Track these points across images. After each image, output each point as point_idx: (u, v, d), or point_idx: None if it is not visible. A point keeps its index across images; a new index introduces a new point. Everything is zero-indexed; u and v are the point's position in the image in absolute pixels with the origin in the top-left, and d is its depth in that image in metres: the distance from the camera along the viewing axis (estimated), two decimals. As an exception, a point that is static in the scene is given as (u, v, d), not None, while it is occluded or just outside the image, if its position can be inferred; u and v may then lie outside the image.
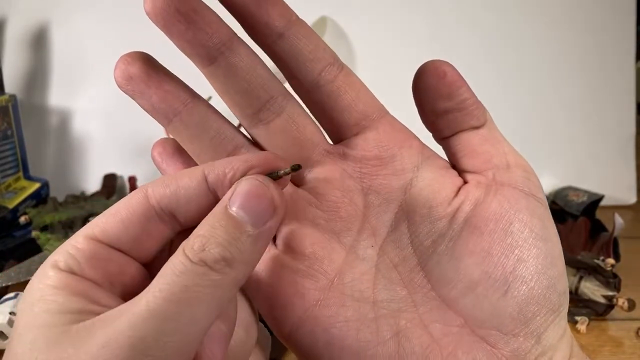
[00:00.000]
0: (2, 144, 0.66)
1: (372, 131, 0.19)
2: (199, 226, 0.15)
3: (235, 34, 0.18)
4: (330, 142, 0.20)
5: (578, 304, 0.51)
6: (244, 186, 0.15)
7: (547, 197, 0.77)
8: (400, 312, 0.18)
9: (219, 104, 0.20)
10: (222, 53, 0.17)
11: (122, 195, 0.78)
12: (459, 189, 0.19)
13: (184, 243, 0.15)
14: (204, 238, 0.15)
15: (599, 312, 0.50)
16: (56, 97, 0.78)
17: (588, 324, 0.48)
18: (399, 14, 0.79)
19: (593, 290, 0.51)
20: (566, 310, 0.18)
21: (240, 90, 0.18)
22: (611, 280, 0.50)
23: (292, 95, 0.19)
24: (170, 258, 0.15)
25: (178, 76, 0.19)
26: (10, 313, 0.45)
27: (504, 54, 0.81)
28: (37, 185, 0.70)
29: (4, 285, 0.47)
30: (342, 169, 0.19)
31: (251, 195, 0.15)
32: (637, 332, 0.48)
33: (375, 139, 0.19)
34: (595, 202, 0.69)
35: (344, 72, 0.19)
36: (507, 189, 0.18)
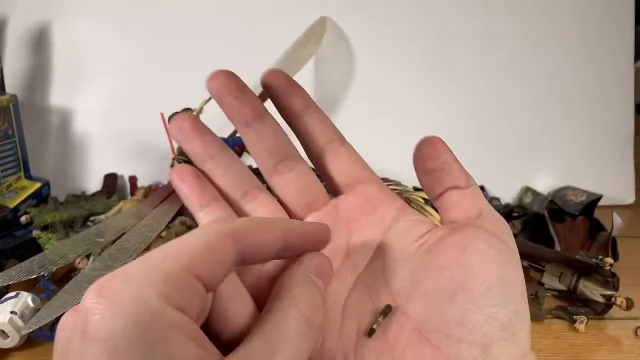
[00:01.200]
0: (3, 144, 0.66)
1: (363, 191, 0.24)
2: (303, 290, 0.19)
3: (266, 109, 0.23)
4: (329, 194, 0.25)
5: (577, 303, 0.51)
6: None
7: (547, 197, 0.78)
8: (364, 318, 0.22)
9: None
10: (256, 120, 0.23)
11: (122, 195, 0.78)
12: (429, 231, 0.22)
13: (299, 306, 0.18)
14: (314, 304, 0.19)
15: (598, 311, 0.50)
16: (57, 97, 0.78)
17: (587, 324, 0.49)
18: (399, 15, 0.80)
19: (592, 289, 0.51)
20: (524, 335, 0.19)
21: (265, 149, 0.23)
22: (610, 279, 0.50)
23: (302, 158, 0.24)
24: (288, 321, 0.17)
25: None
26: (12, 312, 0.45)
27: (503, 54, 0.81)
28: (38, 185, 0.70)
29: (5, 284, 0.47)
30: (333, 216, 0.24)
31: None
32: (636, 332, 0.48)
33: (364, 196, 0.24)
34: (594, 201, 0.69)
35: (345, 147, 0.24)
36: (472, 228, 0.21)
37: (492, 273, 0.19)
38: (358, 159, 0.24)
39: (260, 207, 0.24)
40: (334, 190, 0.25)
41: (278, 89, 0.23)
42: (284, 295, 0.18)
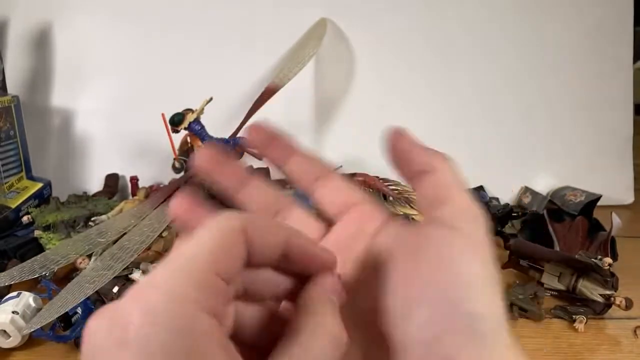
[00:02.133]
0: (4, 145, 0.67)
1: (347, 218, 0.25)
2: (327, 309, 0.19)
3: (248, 173, 0.25)
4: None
5: (576, 302, 0.52)
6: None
7: (546, 197, 0.78)
8: None
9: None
10: (241, 187, 0.25)
11: (123, 195, 0.78)
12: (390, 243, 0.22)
13: (326, 325, 0.18)
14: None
15: (597, 310, 0.50)
16: (58, 97, 0.78)
17: (586, 323, 0.49)
18: (399, 16, 0.80)
19: (591, 289, 0.51)
20: (497, 338, 0.17)
21: (258, 208, 0.25)
22: (609, 279, 0.50)
23: (295, 204, 0.25)
24: (317, 341, 0.17)
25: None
26: (13, 312, 0.45)
27: (503, 56, 0.81)
28: (39, 185, 0.70)
29: (6, 284, 0.47)
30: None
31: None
32: (635, 331, 0.48)
33: (348, 222, 0.24)
34: (593, 201, 0.69)
35: (327, 180, 0.25)
36: (424, 228, 0.20)
37: (442, 275, 0.18)
38: (339, 188, 0.25)
39: None
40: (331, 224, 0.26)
41: (259, 144, 0.25)
42: (309, 314, 0.18)
